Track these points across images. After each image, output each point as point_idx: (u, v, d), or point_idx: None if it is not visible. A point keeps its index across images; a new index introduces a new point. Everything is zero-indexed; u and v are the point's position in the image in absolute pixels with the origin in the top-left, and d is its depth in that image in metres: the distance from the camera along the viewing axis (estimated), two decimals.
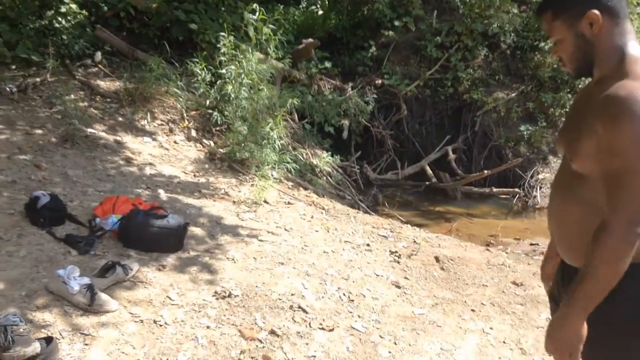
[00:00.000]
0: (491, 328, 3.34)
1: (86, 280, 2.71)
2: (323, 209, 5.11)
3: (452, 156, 7.49)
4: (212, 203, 4.44)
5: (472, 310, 3.67)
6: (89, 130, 5.07)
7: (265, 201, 4.72)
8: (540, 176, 7.02)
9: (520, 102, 7.85)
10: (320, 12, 10.20)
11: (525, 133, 7.44)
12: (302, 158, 6.18)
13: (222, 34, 5.65)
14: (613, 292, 1.42)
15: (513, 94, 7.91)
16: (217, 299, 3.04)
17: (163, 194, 4.32)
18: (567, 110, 7.60)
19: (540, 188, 6.84)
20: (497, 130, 7.71)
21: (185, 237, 3.54)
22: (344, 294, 3.45)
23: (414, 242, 4.54)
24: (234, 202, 4.58)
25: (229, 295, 3.08)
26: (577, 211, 1.56)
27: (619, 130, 1.36)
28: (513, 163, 7.05)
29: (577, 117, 1.57)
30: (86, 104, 5.58)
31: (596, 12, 1.49)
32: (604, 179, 1.42)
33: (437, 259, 4.24)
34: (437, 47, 8.14)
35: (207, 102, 5.84)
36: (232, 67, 5.48)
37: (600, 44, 1.52)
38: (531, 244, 5.36)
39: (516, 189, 6.93)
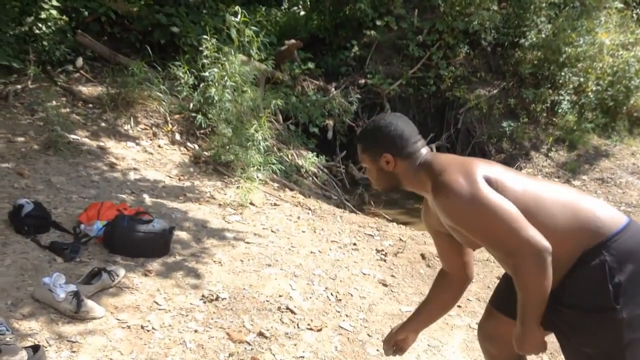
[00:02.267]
0: (477, 323, 3.38)
1: (72, 287, 2.70)
2: (309, 209, 5.13)
3: None
4: (198, 206, 4.44)
5: (458, 306, 3.70)
6: (72, 136, 5.04)
7: (251, 203, 4.72)
8: (523, 171, 7.10)
9: (502, 99, 7.92)
10: (303, 12, 10.20)
11: (507, 129, 7.51)
12: (287, 159, 6.18)
13: (205, 36, 5.64)
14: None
15: (495, 91, 7.98)
16: (204, 302, 3.05)
17: (148, 199, 4.31)
18: (547, 106, 7.68)
19: None
20: (479, 127, 7.77)
21: (171, 242, 3.54)
22: (331, 294, 3.47)
23: (400, 240, 4.57)
24: (219, 205, 4.58)
25: (216, 299, 3.09)
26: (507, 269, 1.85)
27: (456, 216, 1.69)
28: (496, 159, 7.12)
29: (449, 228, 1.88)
30: (68, 110, 5.54)
31: (389, 155, 1.86)
32: (489, 246, 1.72)
33: (423, 256, 4.28)
34: (419, 46, 8.19)
35: (191, 105, 5.83)
36: (215, 69, 5.47)
37: (400, 174, 1.89)
38: None
39: None
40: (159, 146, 5.48)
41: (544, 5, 8.17)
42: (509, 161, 7.26)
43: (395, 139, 1.86)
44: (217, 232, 4.00)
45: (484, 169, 1.72)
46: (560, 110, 7.71)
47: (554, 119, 7.72)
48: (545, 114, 7.77)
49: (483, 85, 8.11)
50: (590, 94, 7.76)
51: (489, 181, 1.69)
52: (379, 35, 8.26)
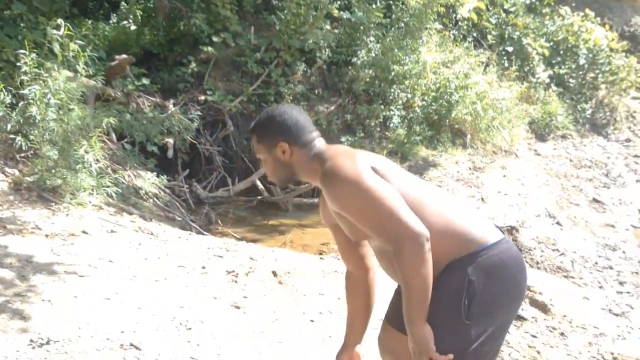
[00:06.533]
0: (330, 337, 3.39)
1: None
2: (152, 234, 4.82)
3: None
4: (21, 239, 3.95)
5: (311, 321, 3.70)
6: None
7: (84, 231, 4.31)
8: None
9: (340, 115, 8.21)
10: (133, 27, 9.73)
11: (345, 144, 7.79)
12: (124, 181, 5.77)
13: (23, 51, 5.10)
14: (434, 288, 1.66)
15: (332, 107, 8.26)
16: (33, 347, 2.69)
17: None
18: (380, 121, 8.10)
19: None
20: None
21: None
22: (180, 323, 3.26)
23: (251, 259, 4.46)
24: (46, 235, 4.11)
25: (47, 342, 2.73)
26: (388, 260, 1.80)
27: (336, 197, 1.73)
28: None
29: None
30: None
31: (285, 144, 1.87)
32: (371, 231, 1.71)
33: (274, 273, 4.21)
34: (258, 63, 8.21)
35: (9, 126, 5.19)
36: (36, 86, 4.95)
37: (296, 164, 1.90)
38: None
39: None
40: None
41: (372, 25, 8.64)
42: None
43: (290, 127, 1.88)
44: (45, 266, 3.57)
45: (371, 159, 1.79)
46: (391, 125, 8.18)
47: (387, 133, 8.18)
48: (379, 129, 8.19)
49: (321, 102, 8.35)
50: (417, 109, 8.35)
51: (375, 170, 1.73)
52: (217, 51, 8.15)
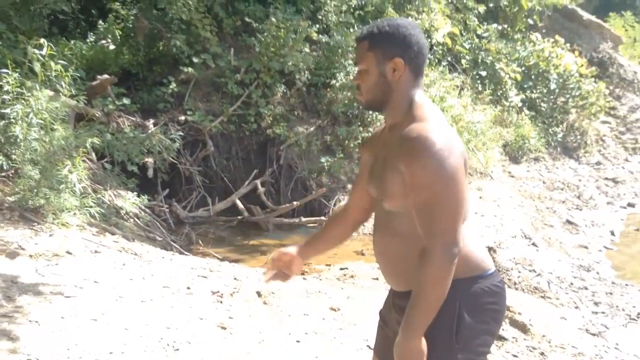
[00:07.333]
0: (316, 357, 3.42)
1: None
2: (135, 254, 4.81)
3: (261, 189, 7.61)
4: (4, 260, 3.90)
5: (297, 341, 3.73)
6: None
7: (68, 252, 4.28)
8: (342, 203, 7.48)
9: (319, 136, 8.31)
10: (112, 47, 9.72)
11: (325, 164, 7.89)
12: (105, 201, 5.74)
13: (5, 70, 5.08)
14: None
15: (312, 128, 8.36)
16: None
17: None
18: (359, 142, 8.20)
19: None
20: (300, 162, 8.04)
21: None
22: (167, 344, 3.26)
23: (235, 279, 4.48)
24: (30, 256, 4.08)
25: None
26: (394, 243, 1.76)
27: (420, 166, 1.58)
28: (318, 193, 7.42)
29: (380, 163, 1.76)
30: None
31: (402, 61, 1.68)
32: (416, 211, 1.61)
33: (259, 294, 4.24)
34: (238, 84, 8.28)
35: None
36: (19, 106, 4.93)
37: (397, 89, 1.71)
38: (341, 269, 5.64)
39: (322, 217, 7.29)
40: None
41: (350, 49, 8.79)
42: (329, 194, 7.62)
43: (413, 45, 1.68)
44: (30, 287, 3.55)
45: (463, 148, 1.67)
46: None
47: None
48: (357, 150, 8.32)
49: (301, 123, 8.45)
50: None
51: (465, 162, 1.66)
52: (197, 72, 8.19)
